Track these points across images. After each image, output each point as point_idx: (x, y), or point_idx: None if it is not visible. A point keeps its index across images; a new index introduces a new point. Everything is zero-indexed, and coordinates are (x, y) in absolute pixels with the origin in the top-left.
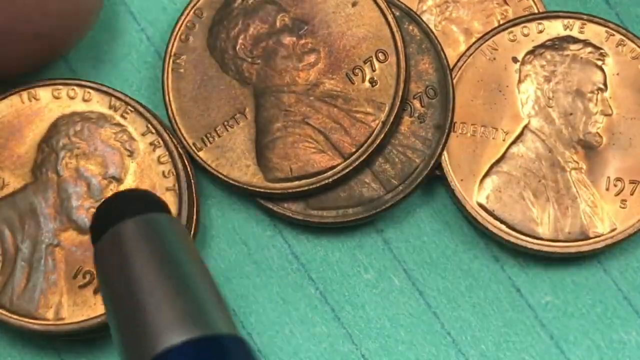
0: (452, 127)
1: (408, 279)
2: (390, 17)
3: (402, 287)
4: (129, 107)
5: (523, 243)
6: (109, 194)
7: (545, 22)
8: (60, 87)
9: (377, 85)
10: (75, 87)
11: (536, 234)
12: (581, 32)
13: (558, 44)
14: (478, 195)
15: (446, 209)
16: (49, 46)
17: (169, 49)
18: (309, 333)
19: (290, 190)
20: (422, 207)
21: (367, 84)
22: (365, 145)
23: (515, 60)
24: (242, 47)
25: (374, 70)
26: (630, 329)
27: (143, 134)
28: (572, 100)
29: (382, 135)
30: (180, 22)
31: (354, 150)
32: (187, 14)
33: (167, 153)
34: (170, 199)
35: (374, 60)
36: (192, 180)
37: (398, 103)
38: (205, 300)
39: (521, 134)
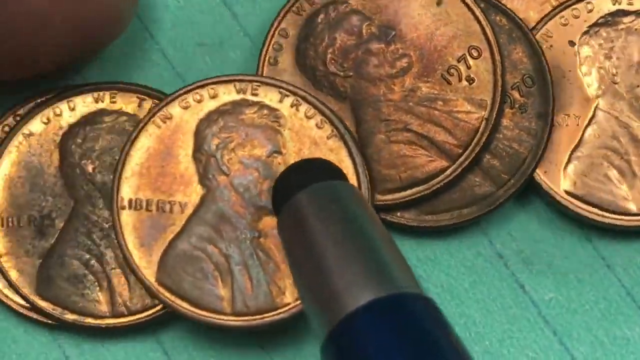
0: (554, 113)
1: None
2: (478, 12)
3: None
4: (255, 84)
5: (618, 222)
6: (279, 169)
7: (593, 1)
8: (184, 96)
9: (474, 83)
10: (198, 90)
11: (628, 211)
12: (630, 4)
13: (610, 19)
14: (564, 183)
15: None
16: (88, 37)
17: (260, 74)
18: None
19: (402, 200)
20: None
21: (464, 82)
22: (472, 144)
23: (572, 43)
24: (332, 61)
25: (469, 68)
26: (633, 325)
27: (280, 100)
28: (635, 73)
29: (487, 132)
30: (266, 45)
31: (460, 151)
32: (272, 36)
33: (310, 107)
34: (335, 145)
35: (468, 57)
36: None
37: (499, 97)
38: (390, 261)
39: (593, 115)
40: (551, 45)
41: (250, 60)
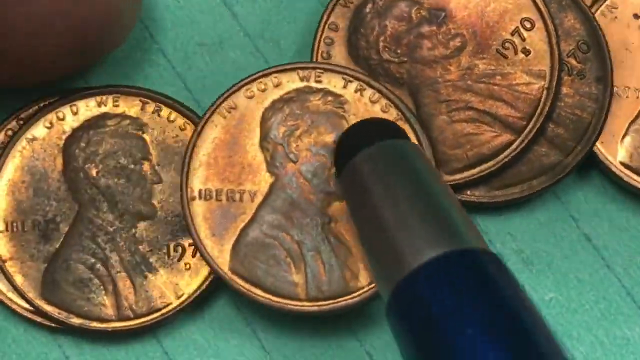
0: (613, 75)
1: None
2: None
3: None
4: (318, 70)
5: None
6: None
7: None
8: (248, 85)
9: (531, 54)
10: (262, 79)
11: None
12: None
13: None
14: (620, 154)
15: None
16: (89, 43)
17: None
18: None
19: (471, 178)
20: None
21: (520, 55)
22: (535, 115)
23: (636, 16)
24: (385, 49)
25: (523, 40)
26: (633, 325)
27: (344, 86)
28: None
29: (549, 102)
30: (317, 40)
31: (524, 123)
32: (322, 30)
33: (375, 91)
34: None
35: (521, 29)
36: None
37: (557, 66)
38: (454, 217)
39: None
40: (615, 17)
41: (250, 60)
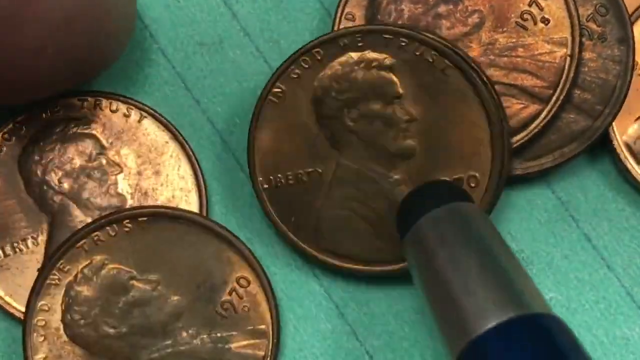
0: (633, 35)
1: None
2: None
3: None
4: (357, 35)
5: None
6: (400, 113)
7: None
8: (291, 67)
9: (550, 23)
10: (304, 57)
11: None
12: None
13: None
14: (630, 131)
15: None
16: (82, 67)
17: None
18: (313, 329)
19: None
20: None
21: (540, 24)
22: (561, 82)
23: None
24: None
25: (541, 9)
26: (633, 325)
27: (386, 45)
28: None
29: (573, 68)
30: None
31: (551, 91)
32: (339, 22)
33: (418, 43)
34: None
35: None
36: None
37: (577, 31)
38: (519, 282)
39: None
40: None
41: (250, 60)
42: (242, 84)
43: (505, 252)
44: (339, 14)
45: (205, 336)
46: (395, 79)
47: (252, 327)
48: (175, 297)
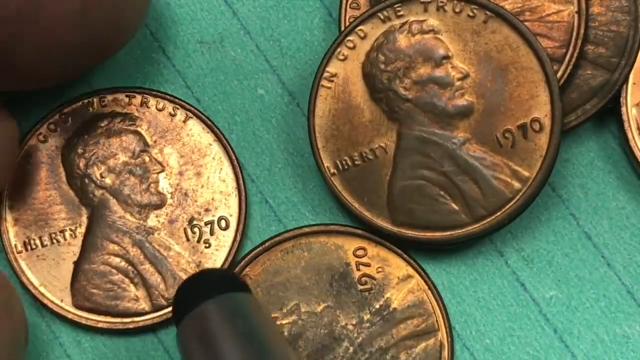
0: None
1: None
2: None
3: None
4: (396, 6)
5: None
6: (453, 73)
7: None
8: (338, 49)
9: None
10: (348, 37)
11: None
12: None
13: None
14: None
15: None
16: (95, 50)
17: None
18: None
19: None
20: None
21: None
22: (572, 40)
23: None
24: None
25: None
26: (633, 323)
27: (425, 10)
28: None
29: (582, 24)
30: (343, 14)
31: (564, 50)
32: (345, 10)
33: (458, 2)
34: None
35: None
36: None
37: None
38: None
39: None
40: None
41: (251, 58)
42: (242, 82)
43: (280, 347)
44: (344, 4)
45: (367, 317)
46: (440, 39)
47: (397, 278)
48: (320, 307)
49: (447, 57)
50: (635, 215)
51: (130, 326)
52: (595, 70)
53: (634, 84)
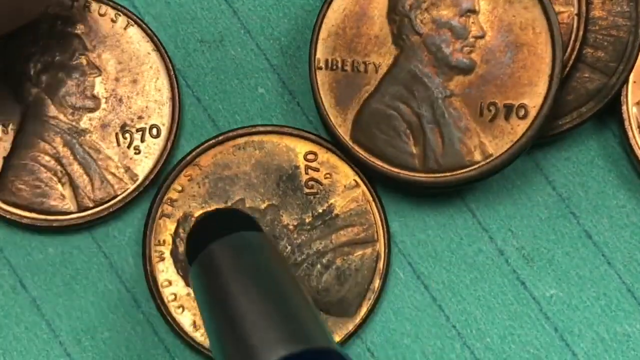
0: None
1: (413, 272)
2: None
3: (407, 280)
4: None
5: None
6: (473, 28)
7: None
8: None
9: None
10: None
11: None
12: None
13: None
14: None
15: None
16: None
17: None
18: None
19: None
20: None
21: None
22: (570, 42)
23: None
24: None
25: None
26: (634, 322)
27: None
28: None
29: (582, 26)
30: None
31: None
32: None
33: None
34: (530, 3)
35: None
36: None
37: None
38: (301, 315)
39: None
40: None
41: (251, 57)
42: (242, 81)
43: (290, 284)
44: None
45: (308, 220)
46: None
47: (343, 186)
48: (264, 204)
49: (473, 11)
50: (635, 213)
51: (54, 224)
52: (593, 73)
53: (634, 82)
